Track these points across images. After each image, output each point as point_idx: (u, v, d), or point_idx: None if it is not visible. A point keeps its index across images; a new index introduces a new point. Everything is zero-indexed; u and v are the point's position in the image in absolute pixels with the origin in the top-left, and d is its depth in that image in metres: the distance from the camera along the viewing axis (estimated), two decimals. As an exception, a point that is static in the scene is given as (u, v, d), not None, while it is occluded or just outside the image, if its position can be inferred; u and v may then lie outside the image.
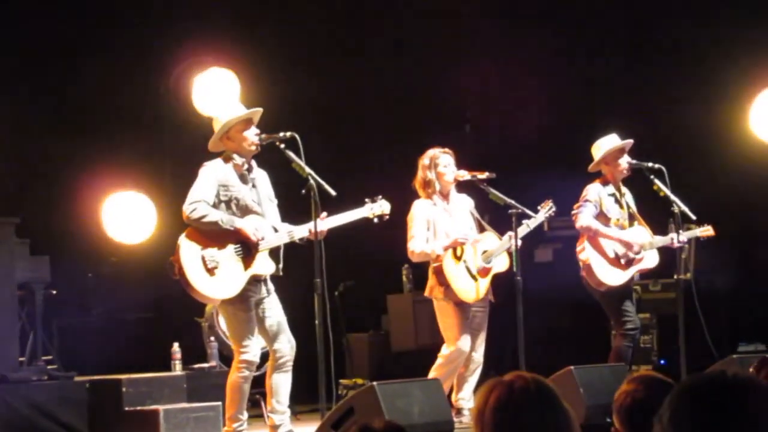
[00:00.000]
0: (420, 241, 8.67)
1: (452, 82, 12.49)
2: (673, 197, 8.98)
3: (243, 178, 7.73)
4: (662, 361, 11.31)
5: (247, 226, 7.58)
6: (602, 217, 9.17)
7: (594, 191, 9.19)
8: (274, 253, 7.74)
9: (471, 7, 12.81)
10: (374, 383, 7.37)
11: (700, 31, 11.76)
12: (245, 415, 7.79)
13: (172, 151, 11.83)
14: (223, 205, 7.64)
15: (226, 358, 8.97)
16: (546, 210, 8.99)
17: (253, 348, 7.64)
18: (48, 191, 11.15)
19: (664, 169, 9.01)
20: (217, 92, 11.42)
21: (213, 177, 7.64)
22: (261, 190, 7.79)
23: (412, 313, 11.31)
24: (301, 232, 7.75)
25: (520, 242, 8.73)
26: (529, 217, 8.86)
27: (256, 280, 7.65)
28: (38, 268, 9.36)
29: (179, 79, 11.78)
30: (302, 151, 7.68)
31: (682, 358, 8.85)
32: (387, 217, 8.17)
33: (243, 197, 7.67)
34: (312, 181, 7.61)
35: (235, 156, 7.73)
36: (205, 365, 9.67)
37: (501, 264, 8.88)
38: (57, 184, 11.20)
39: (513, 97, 12.18)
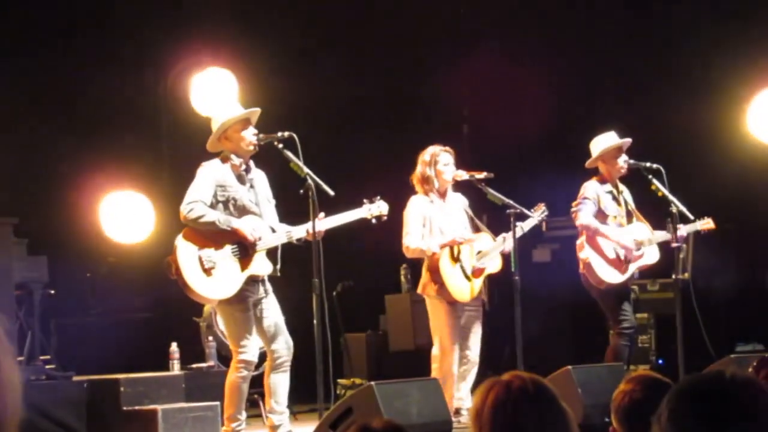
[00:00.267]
0: (415, 238, 8.67)
1: (450, 82, 12.49)
2: (671, 197, 8.98)
3: (240, 179, 7.73)
4: (660, 361, 11.32)
5: (244, 226, 7.58)
6: (600, 214, 9.18)
7: (591, 189, 9.20)
8: (271, 253, 7.74)
9: (469, 7, 12.82)
10: (372, 383, 7.37)
11: (698, 32, 11.77)
12: (244, 415, 7.79)
13: (170, 150, 11.83)
14: (220, 206, 7.64)
15: (225, 358, 8.97)
16: (539, 213, 8.99)
17: (251, 348, 7.64)
18: (46, 191, 11.14)
19: (662, 169, 9.02)
20: (215, 92, 11.42)
21: (210, 177, 7.64)
22: (259, 191, 7.79)
23: (411, 313, 11.30)
24: (298, 232, 7.75)
25: (511, 243, 8.76)
26: (526, 217, 8.87)
27: (253, 281, 7.65)
28: (36, 268, 9.34)
29: (177, 78, 11.78)
30: (300, 151, 7.69)
31: (680, 358, 8.85)
32: (385, 217, 8.17)
33: (240, 197, 7.67)
34: (310, 181, 7.61)
35: (232, 156, 7.73)
36: (203, 365, 9.67)
37: (494, 265, 8.90)
38: (55, 184, 11.20)
39: (511, 97, 12.17)
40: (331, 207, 7.83)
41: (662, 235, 9.16)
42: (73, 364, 9.47)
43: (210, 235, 7.57)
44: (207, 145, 7.82)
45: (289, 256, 7.92)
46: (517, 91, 12.13)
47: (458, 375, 8.71)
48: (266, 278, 7.74)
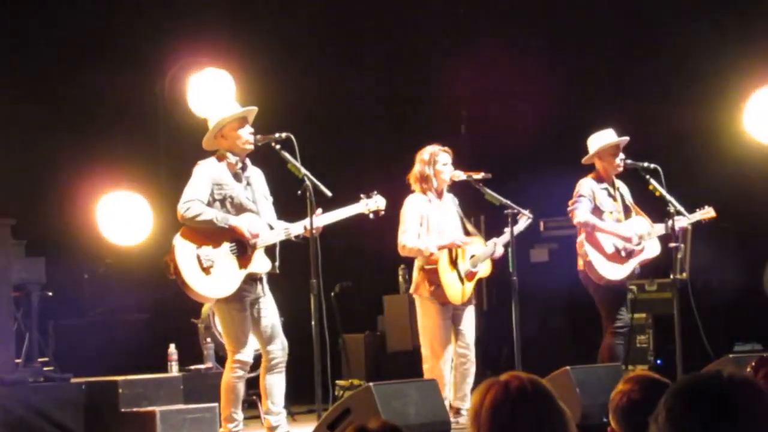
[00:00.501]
0: (412, 237, 8.66)
1: (448, 82, 12.49)
2: (668, 197, 8.98)
3: (237, 177, 7.73)
4: (658, 361, 11.32)
5: (242, 223, 7.58)
6: (596, 210, 9.19)
7: (587, 186, 9.20)
8: (270, 250, 7.74)
9: (467, 7, 12.82)
10: (370, 384, 7.37)
11: (695, 31, 11.76)
12: (241, 416, 7.79)
13: (167, 151, 11.83)
14: (217, 204, 7.64)
15: (223, 359, 8.95)
16: (524, 221, 8.97)
17: (247, 348, 7.64)
18: (44, 193, 11.13)
19: (659, 168, 9.02)
20: (212, 92, 11.41)
21: (207, 176, 7.64)
22: (256, 188, 7.79)
23: (409, 314, 11.27)
24: (296, 229, 7.75)
25: (502, 249, 8.79)
26: (527, 216, 8.87)
27: (252, 279, 7.65)
28: (34, 269, 9.34)
29: (175, 79, 11.77)
30: (298, 152, 7.69)
31: (678, 357, 8.85)
32: (382, 212, 8.17)
33: (237, 195, 7.67)
34: (308, 182, 7.61)
35: (228, 155, 7.73)
36: (202, 366, 9.66)
37: (484, 269, 8.91)
38: (53, 185, 11.19)
39: (508, 98, 12.18)
40: (328, 207, 7.84)
41: (662, 228, 9.16)
42: (71, 366, 9.46)
43: (208, 234, 7.57)
44: (203, 143, 7.82)
45: (288, 257, 7.92)
46: (514, 92, 12.14)
47: (459, 374, 8.69)
48: (264, 277, 7.74)
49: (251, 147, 7.74)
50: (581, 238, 9.18)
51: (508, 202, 8.75)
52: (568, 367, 8.06)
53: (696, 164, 11.54)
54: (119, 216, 11.51)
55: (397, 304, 11.72)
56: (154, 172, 11.81)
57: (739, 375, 2.49)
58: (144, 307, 11.54)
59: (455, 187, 8.96)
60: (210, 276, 7.53)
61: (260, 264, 7.66)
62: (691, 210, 9.23)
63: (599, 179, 9.25)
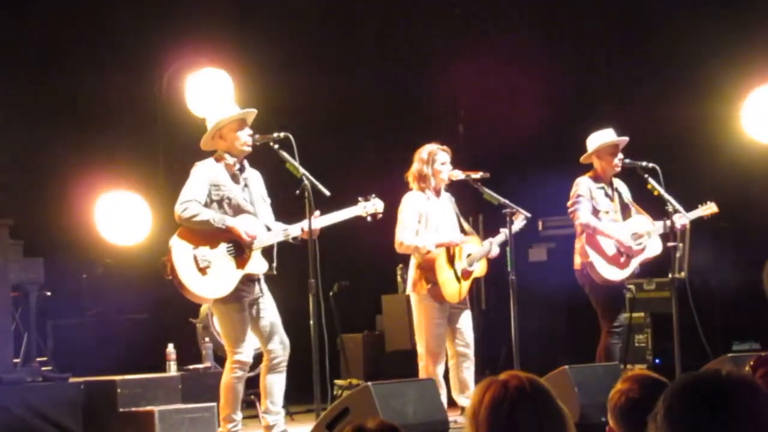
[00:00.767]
0: (410, 233, 8.65)
1: (446, 81, 12.49)
2: (667, 196, 8.98)
3: (235, 178, 7.73)
4: (657, 360, 11.32)
5: (239, 224, 7.58)
6: (593, 210, 9.19)
7: (584, 185, 9.21)
8: (267, 251, 7.74)
9: (465, 7, 12.82)
10: (369, 383, 7.37)
11: (693, 30, 11.77)
12: (240, 416, 7.79)
13: (165, 151, 11.82)
14: (215, 205, 7.64)
15: (221, 359, 8.96)
16: (519, 221, 8.96)
17: (246, 348, 7.64)
18: (42, 192, 11.13)
19: (658, 168, 9.02)
20: (210, 92, 11.41)
21: (204, 177, 7.64)
22: (253, 190, 7.79)
23: (407, 314, 11.25)
24: (294, 230, 7.75)
25: (498, 249, 8.79)
26: (522, 216, 8.87)
27: (249, 280, 7.65)
28: (32, 269, 9.33)
29: (173, 78, 11.76)
30: (296, 152, 7.69)
31: (677, 357, 8.85)
32: (380, 215, 8.17)
33: (235, 196, 7.67)
34: (306, 182, 7.61)
35: (226, 156, 7.73)
36: (200, 366, 9.66)
37: (480, 268, 8.90)
38: (51, 185, 11.19)
39: (506, 97, 12.17)
40: (327, 207, 7.84)
41: (662, 225, 9.16)
42: (69, 366, 9.46)
43: (205, 235, 7.57)
44: (201, 143, 7.82)
45: (286, 257, 7.92)
46: (512, 91, 12.14)
47: (460, 373, 8.68)
48: (262, 277, 7.74)
49: (249, 149, 7.74)
50: (582, 239, 9.18)
51: (507, 201, 8.75)
52: (566, 367, 8.06)
53: (694, 163, 11.55)
54: (117, 216, 11.50)
55: (395, 304, 11.72)
56: (152, 171, 11.80)
57: (738, 374, 2.49)
58: (142, 307, 11.53)
59: (453, 187, 8.95)
60: (206, 276, 7.53)
61: (257, 265, 7.66)
62: (688, 209, 9.24)
63: (596, 178, 9.25)
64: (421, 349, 8.69)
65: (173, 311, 10.36)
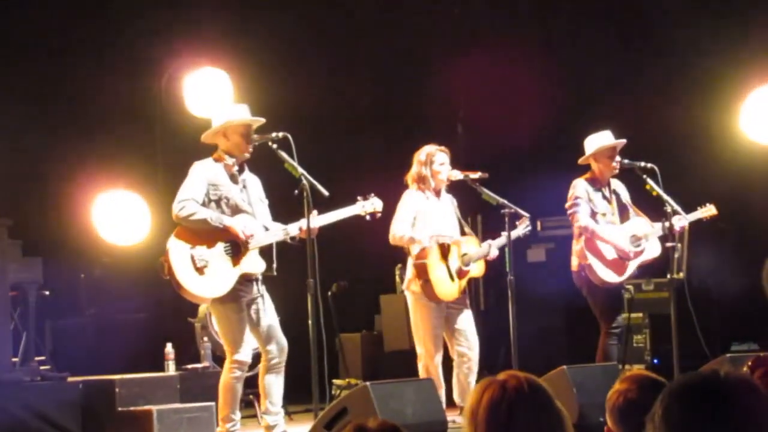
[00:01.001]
0: (404, 226, 8.65)
1: (445, 82, 12.49)
2: (665, 196, 8.98)
3: (233, 178, 7.73)
4: (655, 361, 11.32)
5: (236, 224, 7.59)
6: (590, 212, 9.19)
7: (581, 187, 9.21)
8: (266, 252, 7.74)
9: (463, 7, 12.82)
10: (367, 383, 7.37)
11: (692, 32, 11.77)
12: (238, 415, 7.79)
13: (164, 150, 11.81)
14: (213, 204, 7.64)
15: (220, 358, 8.97)
16: (523, 227, 8.98)
17: (245, 348, 7.65)
18: (40, 192, 11.13)
19: (656, 168, 9.02)
20: (210, 92, 11.41)
21: (202, 176, 7.65)
22: (252, 191, 7.80)
23: (405, 314, 11.30)
24: (293, 229, 7.75)
25: (497, 252, 8.79)
26: (520, 216, 8.87)
27: (247, 280, 7.65)
28: (31, 269, 9.34)
29: (172, 78, 11.76)
30: (294, 152, 7.69)
31: (675, 357, 8.85)
32: (379, 214, 8.18)
33: (233, 196, 7.68)
34: (305, 182, 7.61)
35: (225, 156, 7.74)
36: (198, 366, 9.66)
37: (477, 269, 8.90)
38: (49, 185, 11.18)
39: (505, 97, 12.17)
40: (325, 207, 7.84)
41: (661, 227, 9.16)
42: (67, 365, 9.47)
43: (202, 234, 7.57)
44: (202, 136, 7.82)
45: (284, 257, 7.92)
46: (511, 92, 12.12)
47: (461, 373, 8.68)
48: (260, 278, 7.74)
49: (248, 155, 7.76)
50: (580, 242, 9.18)
51: (505, 201, 8.76)
52: (564, 367, 8.07)
53: (693, 164, 11.55)
54: (116, 215, 11.49)
55: (393, 304, 11.72)
56: (151, 171, 11.80)
57: (736, 374, 2.49)
58: (141, 307, 11.53)
59: (452, 187, 8.95)
60: (204, 276, 7.53)
61: (254, 264, 7.66)
62: (687, 209, 9.24)
63: (593, 180, 9.26)
64: (419, 349, 8.69)
65: (172, 311, 10.37)
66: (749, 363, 4.27)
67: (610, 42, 12.45)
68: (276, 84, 11.65)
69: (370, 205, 8.13)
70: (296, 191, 7.62)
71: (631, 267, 9.23)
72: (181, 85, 11.59)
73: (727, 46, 11.50)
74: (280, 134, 7.72)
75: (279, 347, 7.70)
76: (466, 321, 8.77)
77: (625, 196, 9.40)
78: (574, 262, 9.25)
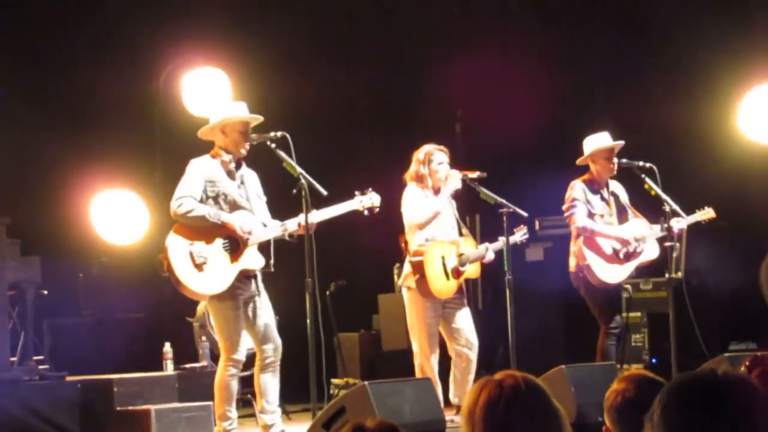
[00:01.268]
0: (420, 212, 8.64)
1: (443, 81, 12.48)
2: (664, 196, 8.98)
3: (230, 175, 7.74)
4: (653, 360, 11.32)
5: (234, 220, 7.59)
6: (588, 213, 9.19)
7: (578, 188, 9.21)
8: (264, 248, 7.74)
9: (462, 7, 12.82)
10: (365, 383, 7.37)
11: (690, 31, 11.77)
12: (235, 414, 7.80)
13: (162, 149, 11.81)
14: (210, 201, 7.65)
15: (218, 357, 8.95)
16: (520, 234, 8.99)
17: (241, 346, 7.65)
18: (38, 191, 11.12)
19: (655, 168, 9.02)
20: (207, 91, 11.41)
21: (200, 173, 7.66)
22: (249, 188, 7.80)
23: (403, 313, 11.32)
24: (291, 225, 7.74)
25: (493, 255, 8.79)
26: (519, 216, 8.87)
27: (245, 277, 7.65)
28: (29, 268, 9.33)
29: (170, 77, 11.76)
30: (293, 151, 7.69)
31: (673, 356, 8.85)
32: (377, 209, 8.16)
33: (230, 193, 7.68)
34: (303, 181, 7.61)
35: (222, 152, 7.74)
36: (197, 365, 9.66)
37: (473, 270, 8.90)
38: (47, 184, 11.17)
39: (504, 96, 12.17)
40: (323, 206, 7.83)
41: (659, 229, 9.16)
42: (66, 365, 9.46)
43: (201, 230, 7.58)
44: (199, 131, 7.83)
45: (283, 256, 7.91)
46: (510, 91, 12.13)
47: (459, 372, 8.68)
48: (259, 275, 7.74)
49: (245, 153, 7.76)
50: (578, 244, 9.17)
51: (504, 201, 8.75)
52: (563, 366, 8.07)
53: (691, 163, 11.55)
54: (114, 214, 11.49)
55: (392, 303, 11.71)
56: (149, 170, 11.80)
57: (734, 374, 2.49)
58: (139, 306, 11.52)
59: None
60: (203, 273, 7.53)
61: (253, 260, 7.66)
62: (686, 209, 9.24)
63: (591, 182, 9.26)
64: (416, 347, 8.70)
65: (170, 310, 10.37)
66: (747, 362, 4.27)
67: (609, 41, 12.45)
68: (274, 83, 11.64)
69: (368, 200, 8.12)
70: (294, 190, 7.62)
71: (630, 268, 9.23)
72: (180, 84, 11.59)
73: (726, 45, 11.50)
74: (279, 133, 7.72)
75: (274, 347, 7.71)
76: (464, 319, 8.76)
77: (624, 197, 9.40)
78: (572, 263, 9.25)
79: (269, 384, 7.71)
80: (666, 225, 8.98)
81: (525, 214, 8.88)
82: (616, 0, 12.64)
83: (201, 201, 7.61)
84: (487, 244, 8.87)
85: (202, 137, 7.85)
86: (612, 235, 9.17)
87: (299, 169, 7.65)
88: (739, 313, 11.44)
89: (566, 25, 12.56)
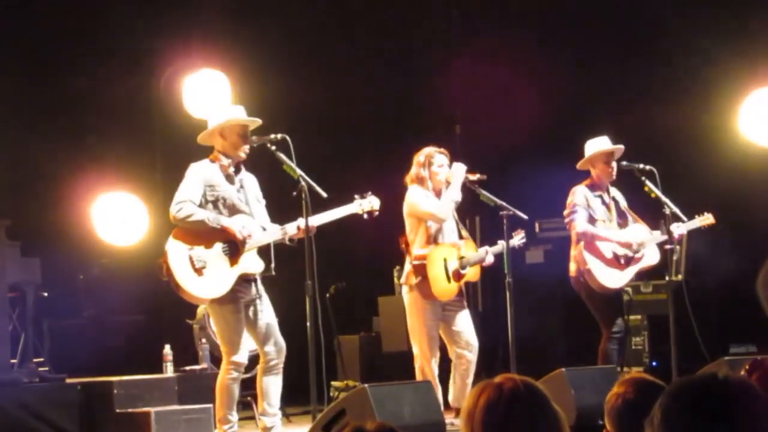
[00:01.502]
0: (431, 201, 8.63)
1: (443, 83, 12.49)
2: (664, 198, 8.98)
3: (229, 179, 7.73)
4: (654, 363, 11.32)
5: (234, 224, 7.59)
6: (589, 218, 9.18)
7: (580, 194, 9.21)
8: (264, 252, 7.74)
9: (462, 8, 12.82)
10: (365, 385, 7.37)
11: (691, 33, 11.77)
12: (236, 417, 7.79)
13: (163, 152, 11.81)
14: (210, 205, 7.64)
15: (218, 360, 8.94)
16: (518, 238, 8.99)
17: (242, 349, 7.64)
18: (39, 193, 11.12)
19: (655, 170, 9.02)
20: (208, 94, 11.40)
21: (199, 177, 7.65)
22: (248, 191, 7.80)
23: (404, 315, 11.32)
24: (291, 228, 7.74)
25: (492, 258, 8.79)
26: (519, 218, 8.87)
27: (245, 280, 7.65)
28: (29, 269, 9.34)
29: (170, 80, 11.75)
30: (293, 153, 7.69)
31: (674, 359, 8.85)
32: (376, 212, 8.15)
33: (230, 197, 7.68)
34: (303, 183, 7.61)
35: (221, 156, 7.74)
36: (197, 367, 9.66)
37: (472, 273, 8.89)
38: (48, 185, 11.17)
39: (504, 99, 12.17)
40: (323, 209, 7.83)
41: (660, 234, 9.16)
42: (66, 367, 9.47)
43: (200, 235, 7.57)
44: (199, 137, 7.83)
45: (283, 259, 7.91)
46: (509, 93, 12.13)
47: (458, 375, 8.67)
48: (259, 279, 7.74)
49: (244, 156, 7.76)
50: (578, 248, 9.17)
51: (504, 203, 8.75)
52: (563, 369, 8.06)
53: (692, 166, 11.55)
54: (114, 216, 11.49)
55: (392, 305, 11.71)
56: (149, 172, 11.80)
57: (734, 377, 2.49)
58: (139, 308, 11.53)
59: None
60: (202, 277, 7.53)
61: (253, 264, 7.66)
62: (686, 211, 9.23)
63: (593, 186, 9.25)
64: (416, 349, 8.69)
65: (170, 312, 10.36)
66: (746, 366, 4.27)
67: (609, 43, 12.44)
68: (274, 85, 11.64)
69: (367, 204, 8.12)
70: (294, 193, 7.62)
71: (631, 272, 9.22)
72: (180, 87, 11.59)
73: (726, 48, 11.50)
74: (279, 136, 7.72)
75: (277, 348, 7.70)
76: (465, 322, 8.75)
77: (623, 203, 9.40)
78: (573, 268, 9.24)
79: (272, 386, 7.70)
80: (666, 228, 8.98)
81: (525, 216, 8.88)
82: (616, 2, 12.63)
83: (200, 205, 7.60)
84: (486, 248, 8.86)
85: (201, 143, 7.85)
86: (614, 240, 9.16)
87: (299, 171, 7.65)
88: (739, 316, 11.43)
89: (566, 27, 12.56)
